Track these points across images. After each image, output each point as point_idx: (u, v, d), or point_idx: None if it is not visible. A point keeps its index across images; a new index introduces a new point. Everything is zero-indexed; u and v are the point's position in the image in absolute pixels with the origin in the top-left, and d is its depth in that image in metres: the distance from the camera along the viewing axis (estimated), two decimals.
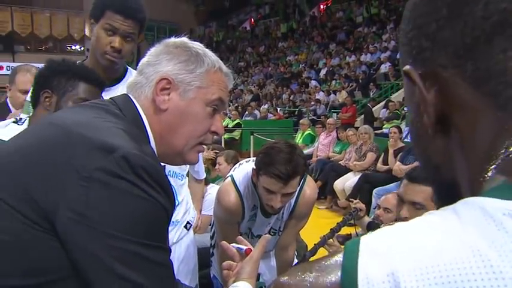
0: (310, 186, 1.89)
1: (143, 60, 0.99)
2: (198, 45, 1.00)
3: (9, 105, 2.44)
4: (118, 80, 1.69)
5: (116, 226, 0.74)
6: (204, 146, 1.05)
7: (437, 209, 0.40)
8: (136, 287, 0.75)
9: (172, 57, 0.96)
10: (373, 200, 5.09)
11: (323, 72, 16.00)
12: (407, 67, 0.43)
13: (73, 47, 24.87)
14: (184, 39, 1.01)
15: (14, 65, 22.26)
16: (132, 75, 1.72)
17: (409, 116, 0.46)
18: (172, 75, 0.94)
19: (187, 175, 2.21)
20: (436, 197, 0.48)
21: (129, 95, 0.96)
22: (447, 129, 0.41)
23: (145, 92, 0.94)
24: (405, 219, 1.59)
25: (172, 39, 1.01)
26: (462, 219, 0.35)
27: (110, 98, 0.97)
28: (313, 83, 15.35)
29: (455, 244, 0.34)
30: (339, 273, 0.37)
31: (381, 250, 0.36)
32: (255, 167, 1.70)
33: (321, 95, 14.02)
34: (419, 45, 0.42)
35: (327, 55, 16.74)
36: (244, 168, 1.88)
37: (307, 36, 19.79)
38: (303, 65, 17.47)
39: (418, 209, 1.58)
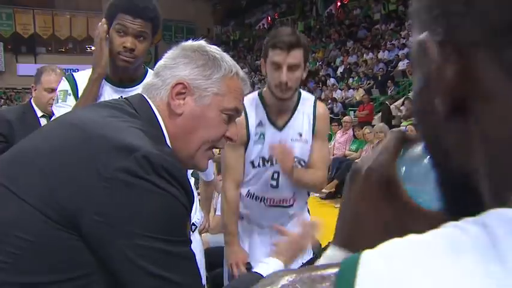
0: (321, 105, 1.97)
1: (160, 63, 0.99)
2: (215, 49, 1.00)
3: (33, 105, 2.50)
4: (138, 80, 1.71)
5: (140, 225, 0.75)
6: (216, 151, 1.05)
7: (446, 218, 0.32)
8: (169, 284, 0.77)
9: (190, 61, 0.96)
10: None
11: (340, 70, 15.91)
12: (425, 37, 0.34)
13: (92, 48, 25.21)
14: (202, 42, 1.01)
15: (36, 66, 22.78)
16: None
17: (415, 90, 0.38)
18: (188, 80, 0.94)
19: (192, 175, 2.21)
20: (441, 191, 0.37)
21: (144, 96, 0.97)
22: (464, 116, 0.33)
23: (161, 95, 0.95)
24: None
25: (190, 43, 1.01)
26: (501, 246, 0.26)
27: (124, 98, 0.98)
28: (332, 80, 15.28)
29: None
30: None
31: (387, 277, 0.27)
32: (262, 55, 1.79)
33: (337, 93, 13.95)
34: (448, 12, 0.32)
35: (344, 53, 16.63)
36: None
37: (324, 34, 19.69)
38: (320, 63, 17.40)
39: None
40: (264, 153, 1.86)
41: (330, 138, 8.14)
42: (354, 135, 7.35)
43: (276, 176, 1.87)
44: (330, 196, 6.79)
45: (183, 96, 0.94)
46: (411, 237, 0.30)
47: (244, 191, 1.93)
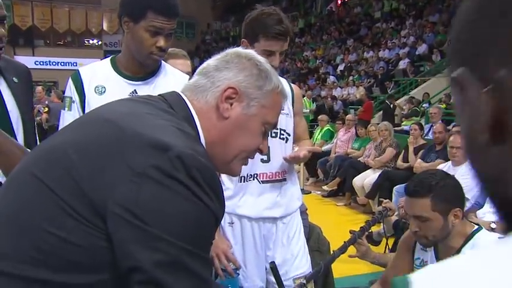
0: (295, 85, 2.13)
1: (209, 63, 0.97)
2: (265, 62, 0.99)
3: None
4: (152, 73, 1.67)
5: (163, 227, 0.72)
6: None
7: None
8: None
9: (244, 68, 0.94)
10: (394, 197, 5.02)
11: (340, 68, 15.87)
12: (460, 72, 0.39)
13: (91, 41, 25.11)
14: (252, 51, 1.01)
15: (34, 59, 22.62)
16: (165, 68, 1.71)
17: (462, 126, 0.43)
18: (241, 87, 0.93)
19: None
20: (502, 220, 0.42)
21: (181, 95, 0.94)
22: (504, 139, 0.37)
23: (207, 97, 0.93)
24: (416, 233, 1.67)
25: (242, 50, 1.00)
26: None
27: (160, 95, 0.96)
28: (332, 78, 15.23)
29: None
30: None
31: None
32: (246, 37, 1.81)
33: (337, 91, 13.91)
34: (479, 47, 0.38)
35: (345, 51, 16.58)
36: None
37: (324, 32, 19.63)
38: (320, 61, 17.34)
39: (424, 221, 1.63)
40: None
41: (332, 136, 8.11)
42: (356, 133, 7.30)
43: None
44: (331, 194, 6.76)
45: (231, 101, 0.93)
46: (451, 261, 0.36)
47: (233, 179, 1.88)
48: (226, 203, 1.88)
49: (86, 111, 1.63)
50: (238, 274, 1.88)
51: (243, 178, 1.88)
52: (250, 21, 1.82)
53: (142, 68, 1.65)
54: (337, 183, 6.62)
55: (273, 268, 1.71)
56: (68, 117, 1.65)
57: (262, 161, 1.86)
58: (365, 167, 6.24)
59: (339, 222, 5.21)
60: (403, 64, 13.24)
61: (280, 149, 1.90)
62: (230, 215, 1.92)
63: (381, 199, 2.80)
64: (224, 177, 1.86)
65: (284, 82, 1.99)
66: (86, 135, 0.82)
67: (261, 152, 1.02)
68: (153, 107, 0.88)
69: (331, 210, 6.15)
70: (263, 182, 1.88)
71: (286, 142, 1.92)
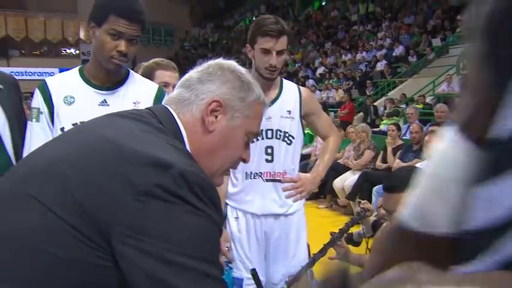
0: (304, 88, 2.23)
1: (192, 75, 0.98)
2: (247, 73, 1.01)
3: None
4: (121, 82, 1.66)
5: (173, 241, 0.73)
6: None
7: None
8: None
9: (227, 80, 0.96)
10: (374, 198, 5.07)
11: (319, 71, 15.99)
12: None
13: (68, 51, 24.79)
14: (234, 63, 1.03)
15: (9, 70, 22.23)
16: (134, 77, 1.70)
17: None
18: (225, 99, 0.94)
19: None
20: None
21: (169, 108, 0.95)
22: None
23: (193, 110, 0.94)
24: None
25: (225, 62, 1.01)
26: None
27: (148, 109, 0.96)
28: (311, 82, 15.33)
29: None
30: None
31: None
32: (249, 41, 1.98)
33: (317, 94, 14.01)
34: None
35: (323, 54, 16.72)
36: None
37: (302, 36, 19.77)
38: (299, 65, 17.45)
39: None
40: None
41: (312, 139, 8.15)
42: None
43: (270, 150, 2.02)
44: (313, 197, 6.77)
45: (216, 114, 0.94)
46: None
47: (240, 176, 2.02)
48: (234, 197, 2.05)
49: (55, 122, 1.62)
50: (231, 268, 1.90)
51: (249, 175, 2.02)
52: (252, 26, 1.98)
53: (109, 77, 1.63)
54: (319, 186, 6.65)
55: (254, 275, 1.74)
56: (36, 128, 1.63)
57: (267, 160, 2.02)
58: (345, 168, 6.29)
59: (320, 224, 5.23)
60: (380, 66, 13.41)
61: (285, 151, 2.04)
62: (236, 210, 2.07)
63: (359, 200, 2.81)
64: (231, 173, 1.98)
65: (294, 86, 2.13)
66: (82, 151, 0.81)
67: (244, 161, 1.04)
68: (143, 124, 0.88)
69: (313, 213, 6.16)
70: (267, 180, 2.03)
71: (289, 145, 2.05)
